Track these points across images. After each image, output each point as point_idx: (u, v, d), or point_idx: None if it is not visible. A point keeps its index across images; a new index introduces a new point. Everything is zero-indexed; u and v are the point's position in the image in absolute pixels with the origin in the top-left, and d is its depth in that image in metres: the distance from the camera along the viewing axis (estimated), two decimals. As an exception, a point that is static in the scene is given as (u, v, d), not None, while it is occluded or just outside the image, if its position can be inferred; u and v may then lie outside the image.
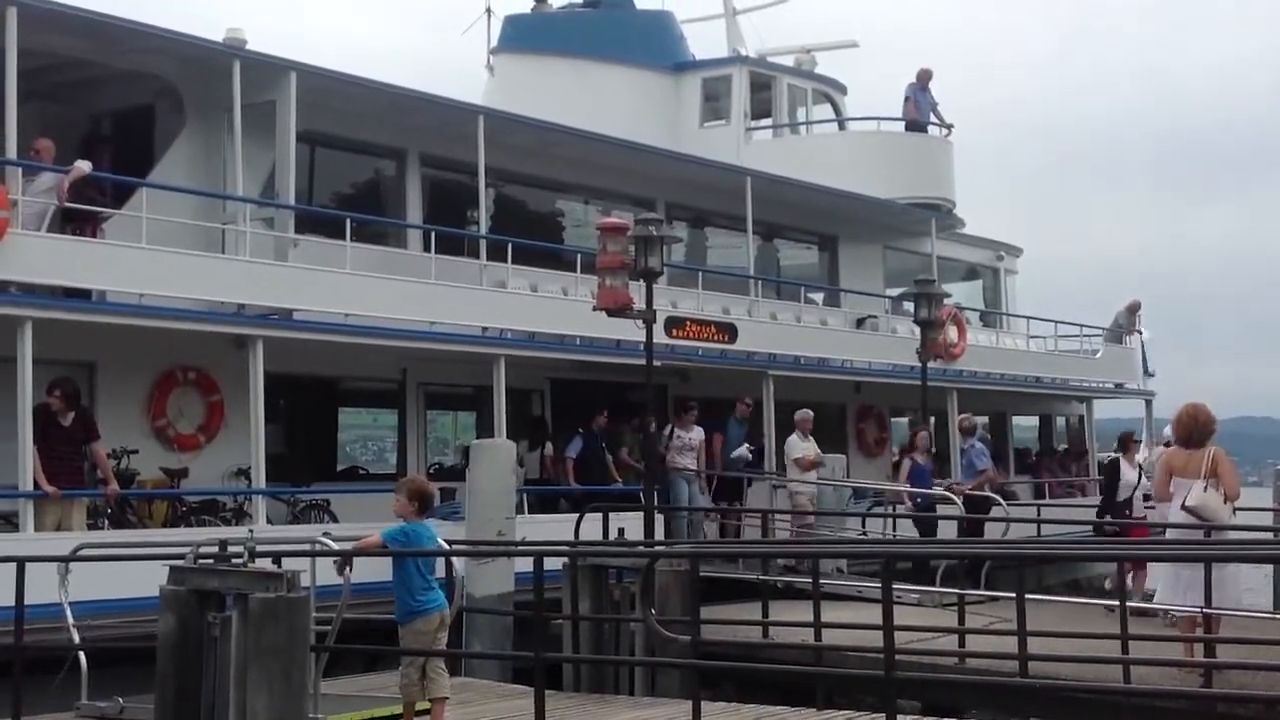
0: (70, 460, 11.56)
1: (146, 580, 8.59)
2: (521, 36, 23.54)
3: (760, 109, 23.48)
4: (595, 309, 13.97)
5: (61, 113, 13.93)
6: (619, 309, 13.66)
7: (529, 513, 14.23)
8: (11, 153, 11.65)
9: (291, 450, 14.88)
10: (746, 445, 17.48)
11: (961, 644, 10.37)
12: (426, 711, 8.12)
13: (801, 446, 16.71)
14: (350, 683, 10.01)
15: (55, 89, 13.66)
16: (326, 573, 8.65)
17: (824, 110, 24.46)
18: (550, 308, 15.80)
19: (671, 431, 16.64)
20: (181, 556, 8.33)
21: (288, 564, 8.12)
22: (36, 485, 11.12)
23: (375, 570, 8.67)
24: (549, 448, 16.17)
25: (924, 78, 23.32)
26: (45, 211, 11.97)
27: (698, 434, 16.71)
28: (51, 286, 11.91)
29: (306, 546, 8.78)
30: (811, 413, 17.20)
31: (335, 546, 8.51)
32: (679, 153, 19.55)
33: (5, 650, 8.85)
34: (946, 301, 18.72)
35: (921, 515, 15.60)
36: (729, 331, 17.75)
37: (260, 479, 12.72)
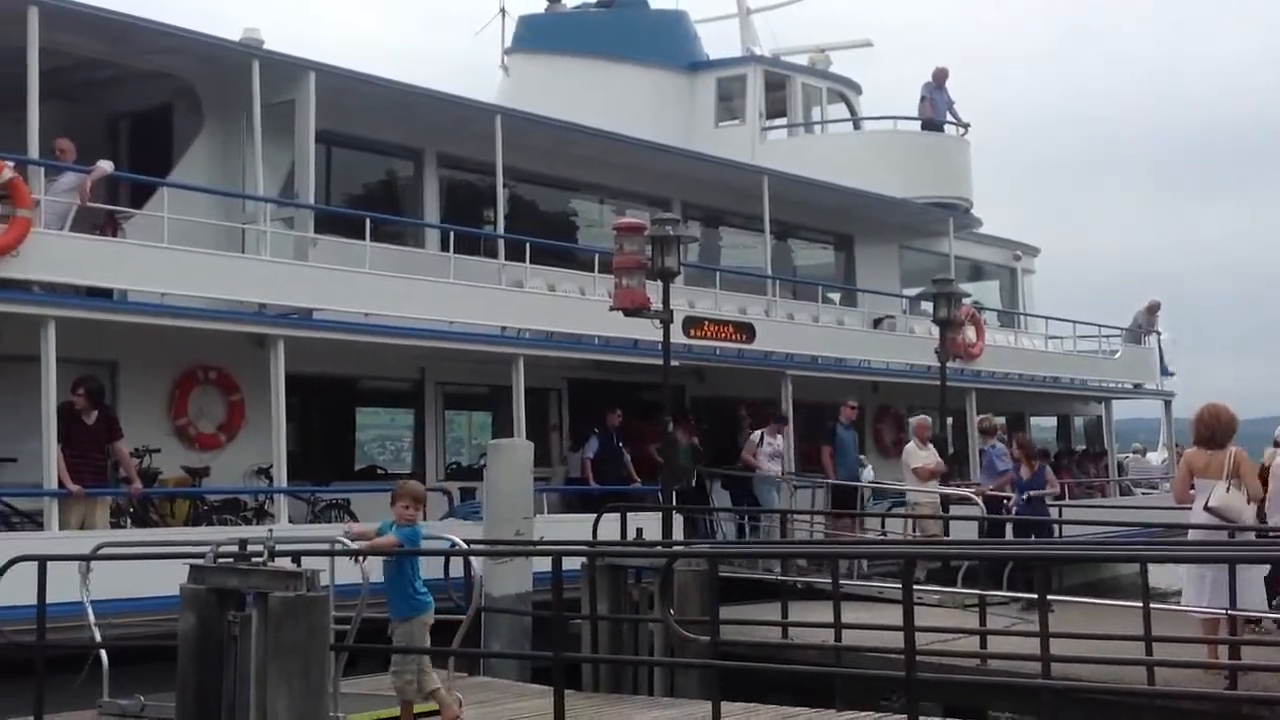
0: (94, 459, 11.61)
1: (168, 579, 8.64)
2: (536, 36, 23.56)
3: (775, 108, 23.44)
4: (612, 309, 13.98)
5: (80, 113, 13.98)
6: (636, 309, 13.66)
7: (566, 511, 14.25)
8: (33, 153, 11.69)
9: (310, 449, 14.92)
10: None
11: (983, 645, 10.33)
12: (434, 712, 8.16)
13: (920, 455, 16.00)
14: (370, 682, 10.01)
15: (74, 89, 13.71)
16: (346, 571, 8.66)
17: (839, 110, 24.41)
18: (567, 307, 15.80)
19: (761, 438, 16.65)
20: (202, 555, 8.37)
21: (307, 563, 8.15)
22: (61, 484, 11.16)
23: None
24: (588, 448, 16.00)
25: (940, 77, 23.26)
26: (67, 211, 12.01)
27: (783, 441, 16.76)
28: (74, 286, 11.95)
29: (326, 546, 8.78)
30: (929, 419, 16.70)
31: (354, 546, 8.51)
32: (696, 152, 19.53)
33: (27, 648, 8.89)
34: (964, 301, 18.66)
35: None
36: (747, 331, 17.73)
37: (282, 478, 12.76)
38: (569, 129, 16.98)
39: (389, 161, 16.59)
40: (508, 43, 23.84)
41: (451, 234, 15.16)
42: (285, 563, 8.09)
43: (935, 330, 17.65)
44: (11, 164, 11.25)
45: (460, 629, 9.06)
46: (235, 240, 13.57)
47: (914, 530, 15.44)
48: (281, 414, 12.68)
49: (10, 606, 9.04)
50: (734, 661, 9.30)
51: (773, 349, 18.13)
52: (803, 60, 24.49)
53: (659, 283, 13.57)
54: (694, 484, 16.79)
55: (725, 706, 8.23)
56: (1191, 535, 10.02)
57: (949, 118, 23.40)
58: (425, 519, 13.54)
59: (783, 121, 23.66)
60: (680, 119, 22.37)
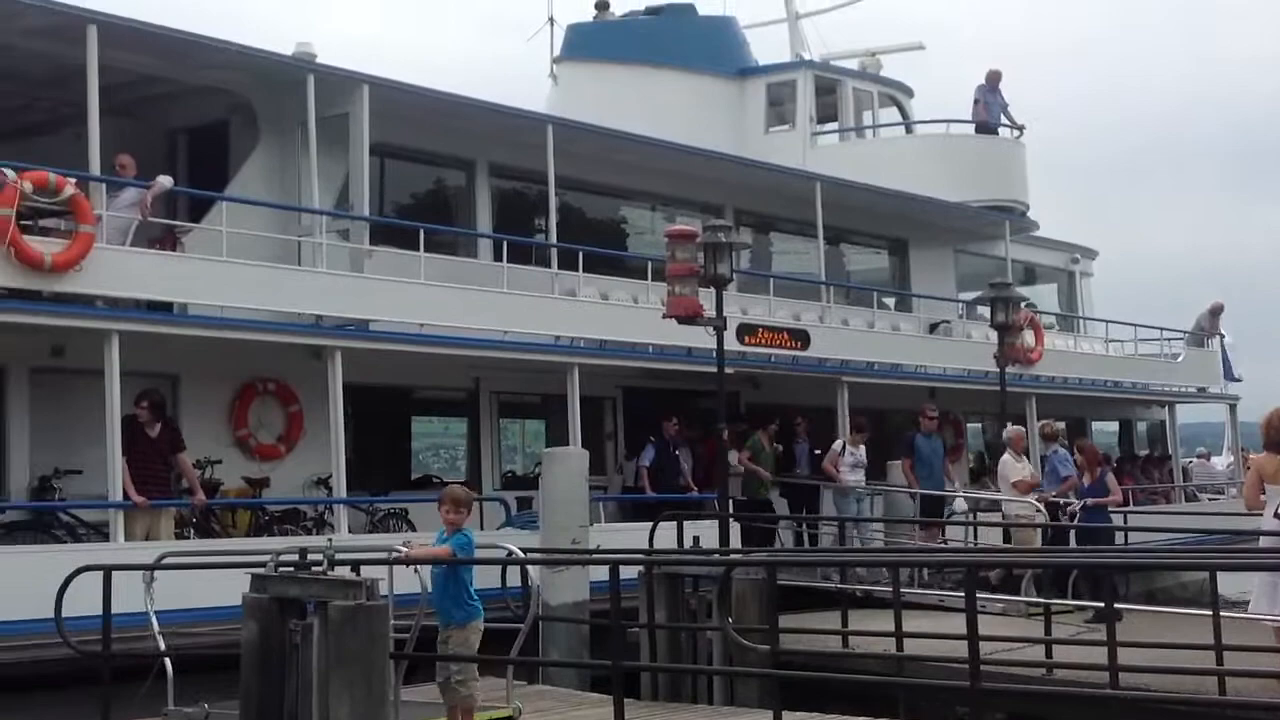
0: (157, 470, 11.75)
1: (230, 589, 8.72)
2: (584, 45, 23.60)
3: (825, 113, 23.32)
4: (665, 317, 13.96)
5: (138, 129, 14.16)
6: (689, 317, 13.64)
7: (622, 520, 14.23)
8: (94, 169, 11.85)
9: (367, 459, 15.00)
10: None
11: (1048, 654, 10.17)
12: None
13: (1018, 468, 15.32)
14: (430, 690, 10.02)
15: (132, 105, 13.89)
16: (405, 581, 8.68)
17: (890, 114, 24.22)
18: (621, 316, 15.80)
19: (844, 448, 16.55)
20: (263, 565, 8.44)
21: (366, 572, 8.19)
22: (125, 495, 11.29)
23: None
24: (644, 456, 15.97)
25: (994, 79, 23.03)
26: (129, 226, 12.16)
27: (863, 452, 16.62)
28: (135, 300, 12.10)
29: (385, 555, 8.81)
30: (1023, 429, 16.34)
31: (406, 551, 8.57)
32: (747, 159, 19.47)
33: (94, 658, 8.99)
34: (1023, 305, 18.44)
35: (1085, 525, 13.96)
36: (801, 338, 17.64)
37: (341, 488, 12.84)
38: (620, 137, 16.98)
39: (441, 172, 16.67)
40: (556, 52, 23.92)
41: (504, 243, 15.20)
42: (345, 572, 8.15)
43: (993, 335, 17.44)
44: (73, 181, 11.41)
45: (518, 637, 9.06)
46: (291, 253, 13.69)
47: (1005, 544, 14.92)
48: (340, 425, 12.77)
49: (77, 617, 9.15)
50: (794, 671, 9.22)
51: (828, 355, 18.02)
52: (853, 64, 24.35)
53: (712, 290, 13.54)
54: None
55: (786, 716, 8.15)
56: (1263, 543, 9.80)
57: (1003, 120, 23.16)
58: (482, 528, 13.82)
59: (834, 126, 23.53)
60: (730, 125, 22.31)
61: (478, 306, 14.24)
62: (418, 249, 13.98)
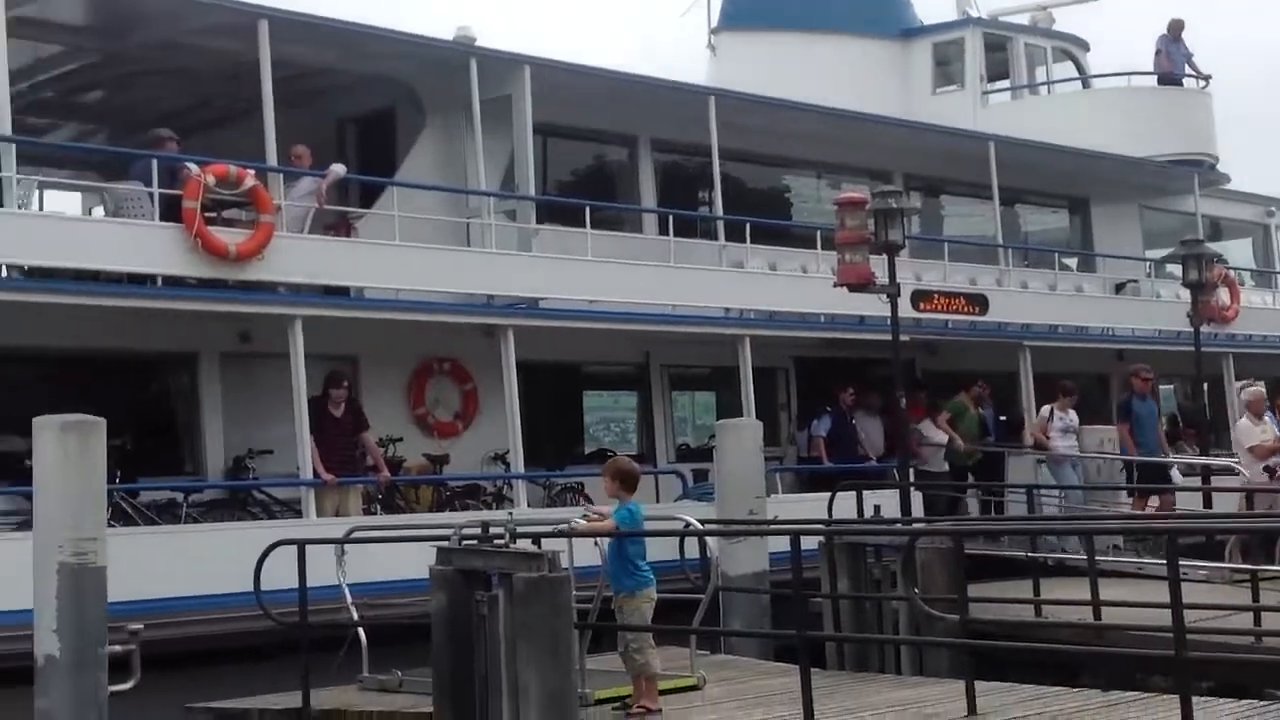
0: (344, 449, 12.09)
1: (416, 561, 8.91)
2: (743, 14, 23.27)
3: (995, 71, 22.49)
4: (836, 285, 13.73)
5: (309, 119, 14.49)
6: (861, 284, 13.41)
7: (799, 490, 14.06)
8: (271, 160, 12.18)
9: (539, 435, 15.14)
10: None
11: (1256, 621, 9.63)
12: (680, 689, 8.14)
13: (1256, 432, 14.45)
14: (613, 659, 10.06)
15: (302, 97, 14.21)
16: (585, 553, 8.72)
17: (1065, 69, 23.24)
18: (791, 286, 15.64)
19: (1051, 413, 16.11)
20: (446, 539, 8.60)
21: (546, 544, 8.25)
22: (316, 474, 11.63)
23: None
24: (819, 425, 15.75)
25: (1176, 29, 21.90)
26: (306, 214, 12.50)
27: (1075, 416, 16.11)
28: (314, 285, 12.44)
29: (564, 528, 8.86)
30: (1262, 389, 15.50)
31: (582, 525, 8.65)
32: (917, 121, 18.97)
33: (293, 628, 9.30)
34: (1217, 262, 17.55)
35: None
36: (979, 303, 17.14)
37: (518, 464, 13.01)
38: (784, 106, 16.71)
39: (604, 149, 16.70)
40: (714, 22, 23.69)
41: (670, 218, 15.15)
42: (526, 545, 8.23)
43: (1185, 294, 16.64)
44: (253, 172, 11.76)
45: (699, 608, 9.01)
46: (460, 235, 13.88)
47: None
48: (515, 401, 12.92)
49: (275, 590, 9.47)
50: (985, 640, 8.94)
51: (1007, 319, 17.47)
52: (1024, 19, 23.46)
53: (883, 257, 13.26)
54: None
55: (980, 686, 7.90)
56: None
57: (1187, 70, 22.05)
58: (658, 500, 13.84)
59: (1005, 84, 22.71)
60: (895, 88, 21.71)
61: (646, 281, 14.24)
62: (583, 226, 14.03)
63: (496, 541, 8.25)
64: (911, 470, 14.00)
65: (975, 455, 16.18)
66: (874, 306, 14.00)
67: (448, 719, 7.90)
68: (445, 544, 8.39)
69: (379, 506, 12.63)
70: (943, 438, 15.84)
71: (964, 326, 17.04)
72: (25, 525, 9.44)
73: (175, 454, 12.72)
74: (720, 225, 15.45)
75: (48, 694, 8.04)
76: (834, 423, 15.64)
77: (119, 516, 10.70)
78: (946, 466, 15.86)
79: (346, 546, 9.86)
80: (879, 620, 11.15)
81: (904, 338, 13.80)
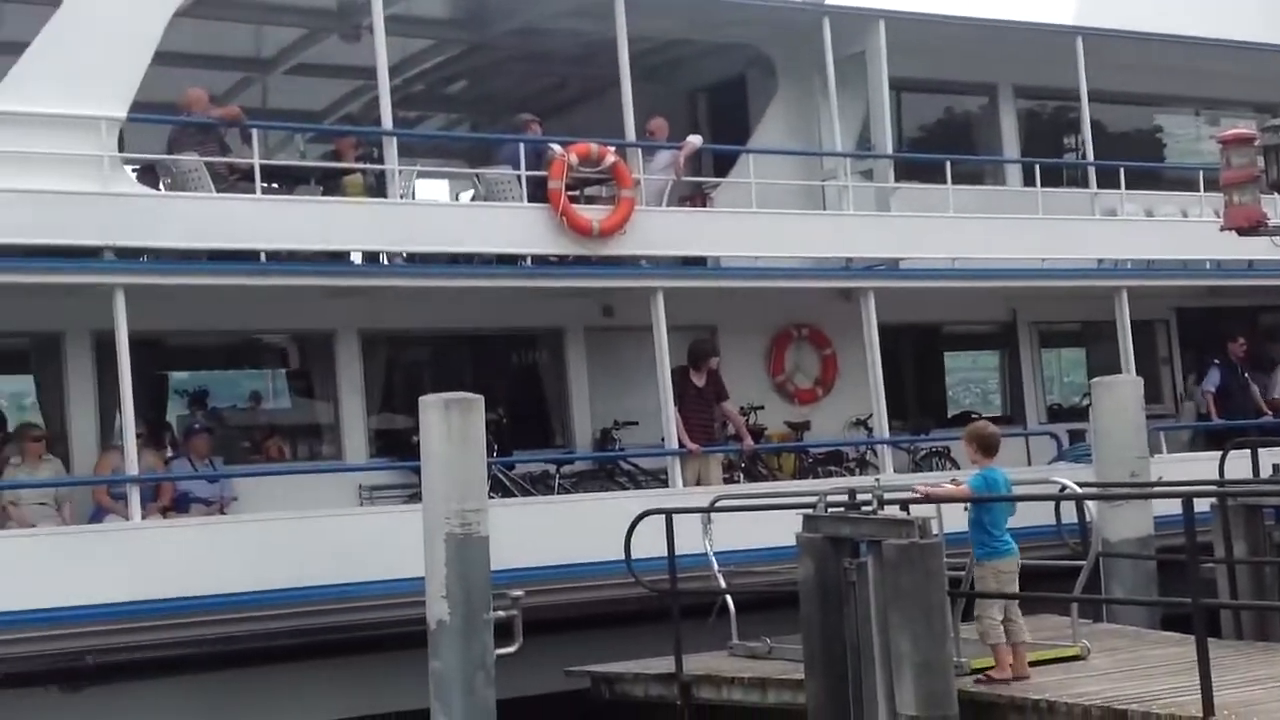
0: (705, 419, 12.30)
1: (779, 529, 8.96)
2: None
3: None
4: (1223, 229, 12.69)
5: (662, 92, 14.72)
6: (1252, 227, 12.37)
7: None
8: (630, 136, 12.47)
9: (901, 398, 14.87)
10: None
11: None
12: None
13: None
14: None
15: (655, 70, 14.46)
16: (954, 519, 8.49)
17: None
18: (1169, 232, 14.59)
19: None
20: (811, 506, 8.58)
21: (915, 510, 8.09)
22: (680, 443, 11.88)
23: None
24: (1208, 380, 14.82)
25: None
26: (664, 188, 12.72)
27: None
28: (673, 257, 12.69)
29: (908, 495, 8.64)
30: None
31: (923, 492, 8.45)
32: (1310, 46, 17.15)
33: (664, 595, 9.57)
34: None
35: None
36: (1388, 240, 15.34)
37: (882, 428, 12.84)
38: (1160, 40, 15.50)
39: (960, 100, 16.09)
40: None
41: (1036, 167, 14.44)
42: (893, 510, 8.10)
43: None
44: (613, 149, 12.09)
45: (1080, 575, 8.62)
46: (814, 198, 13.77)
47: None
48: (877, 365, 12.73)
49: (644, 559, 9.76)
50: None
51: None
52: None
53: (1275, 196, 12.13)
54: None
55: None
56: None
57: None
58: (1029, 463, 13.31)
59: None
60: (1276, 10, 19.76)
61: (1012, 235, 13.67)
62: (941, 182, 13.60)
63: (864, 508, 8.18)
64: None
65: None
66: (1265, 249, 12.86)
67: (820, 687, 7.92)
68: (811, 511, 8.38)
69: (740, 475, 12.77)
70: None
71: (1370, 268, 15.33)
72: (414, 499, 10.16)
73: (546, 427, 13.28)
74: (1092, 171, 14.60)
75: (440, 655, 8.66)
76: (1223, 376, 14.65)
77: (497, 488, 11.26)
78: None
79: (712, 515, 10.03)
80: (1280, 587, 10.32)
81: (1298, 282, 12.61)
